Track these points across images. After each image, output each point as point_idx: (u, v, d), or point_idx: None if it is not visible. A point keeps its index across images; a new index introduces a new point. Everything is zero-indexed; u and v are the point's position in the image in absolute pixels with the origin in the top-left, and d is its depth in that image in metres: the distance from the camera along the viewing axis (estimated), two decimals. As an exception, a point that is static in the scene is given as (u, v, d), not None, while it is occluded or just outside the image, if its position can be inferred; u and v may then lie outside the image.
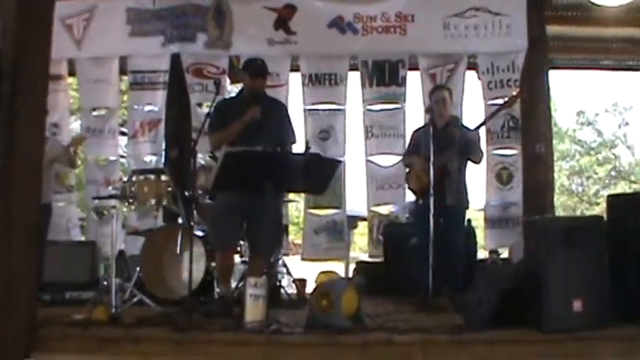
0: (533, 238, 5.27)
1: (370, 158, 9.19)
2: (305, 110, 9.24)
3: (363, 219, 9.32)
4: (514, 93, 7.25)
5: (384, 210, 9.23)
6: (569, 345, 4.75)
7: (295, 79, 9.32)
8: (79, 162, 8.56)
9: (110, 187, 6.81)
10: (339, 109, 9.25)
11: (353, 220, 9.31)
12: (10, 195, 4.69)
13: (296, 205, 10.97)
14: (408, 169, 7.21)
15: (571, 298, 4.90)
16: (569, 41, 9.90)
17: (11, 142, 4.68)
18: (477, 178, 7.66)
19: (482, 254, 8.77)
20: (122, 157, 10.28)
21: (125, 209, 7.59)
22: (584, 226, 5.22)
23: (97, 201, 8.43)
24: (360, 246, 10.17)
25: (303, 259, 9.38)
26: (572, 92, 40.78)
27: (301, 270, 8.51)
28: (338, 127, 9.19)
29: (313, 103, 9.26)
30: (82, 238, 9.50)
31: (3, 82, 4.64)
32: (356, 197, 9.57)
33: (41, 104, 5.00)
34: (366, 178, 9.17)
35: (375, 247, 9.09)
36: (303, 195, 9.28)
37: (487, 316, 5.02)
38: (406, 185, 7.41)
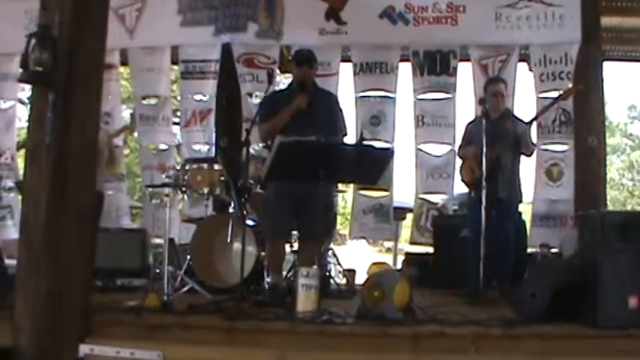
0: (588, 232, 5.19)
1: (420, 147, 9.16)
2: (356, 98, 9.24)
3: (411, 210, 9.29)
4: (570, 86, 7.14)
5: (432, 198, 9.18)
6: (623, 342, 4.66)
7: (346, 69, 9.33)
8: (122, 155, 8.67)
9: (164, 175, 6.86)
10: (389, 97, 9.23)
11: (401, 212, 9.29)
12: (65, 182, 4.73)
13: (342, 195, 10.94)
14: (461, 161, 7.16)
15: (626, 295, 4.81)
16: (625, 33, 9.73)
17: (67, 129, 4.72)
18: (526, 173, 7.57)
19: (529, 249, 8.67)
20: (175, 146, 10.39)
21: (179, 197, 7.67)
22: (641, 221, 5.13)
23: (149, 188, 8.51)
24: (407, 238, 10.13)
25: (351, 237, 9.46)
26: (623, 85, 40.00)
27: (350, 260, 8.52)
28: (388, 113, 9.17)
29: (364, 90, 9.25)
30: (133, 226, 9.63)
31: (59, 71, 4.67)
32: (404, 187, 9.56)
33: (96, 93, 5.03)
34: (416, 166, 9.14)
35: (420, 234, 9.10)
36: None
37: (540, 311, 4.97)
38: (456, 176, 7.37)
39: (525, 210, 8.19)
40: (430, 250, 8.50)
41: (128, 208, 9.96)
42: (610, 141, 25.77)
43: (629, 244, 4.88)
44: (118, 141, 9.20)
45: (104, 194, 7.61)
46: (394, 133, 9.20)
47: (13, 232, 9.27)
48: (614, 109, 29.25)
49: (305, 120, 5.96)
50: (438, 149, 9.18)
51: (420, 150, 9.16)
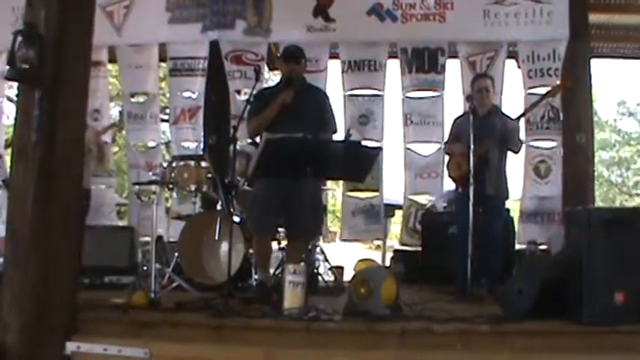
0: (575, 229, 5.19)
1: (409, 146, 9.15)
2: (345, 96, 9.23)
3: (400, 207, 9.30)
4: (558, 82, 7.16)
5: (421, 199, 9.18)
6: (609, 338, 4.69)
7: (334, 66, 9.34)
8: (111, 152, 8.66)
9: (151, 173, 6.86)
10: (378, 95, 9.22)
11: (390, 209, 9.30)
12: (51, 179, 4.73)
13: (332, 193, 10.94)
14: (448, 157, 7.17)
15: (612, 291, 4.83)
16: (612, 30, 9.76)
17: (53, 127, 4.72)
18: (514, 170, 7.60)
19: (517, 246, 8.68)
20: (163, 143, 10.36)
21: (167, 195, 7.66)
22: (628, 217, 5.15)
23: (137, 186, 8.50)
24: (397, 234, 10.16)
25: (341, 239, 9.54)
26: (613, 82, 40.20)
27: (338, 257, 8.51)
28: (377, 112, 9.17)
29: (352, 89, 9.24)
30: (119, 223, 9.62)
31: (45, 68, 4.67)
32: (393, 185, 9.56)
33: (83, 90, 5.03)
34: (404, 165, 9.14)
35: (409, 236, 9.09)
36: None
37: (527, 307, 4.98)
38: (445, 174, 7.37)
39: (513, 207, 8.21)
40: (419, 247, 8.50)
41: (115, 205, 9.97)
42: (599, 136, 25.88)
43: (615, 241, 4.88)
44: (107, 137, 9.17)
45: (91, 191, 7.58)
46: (383, 132, 9.20)
47: (0, 230, 9.23)
48: (604, 106, 29.45)
49: (294, 117, 5.94)
50: (427, 148, 9.18)
51: (409, 149, 9.16)
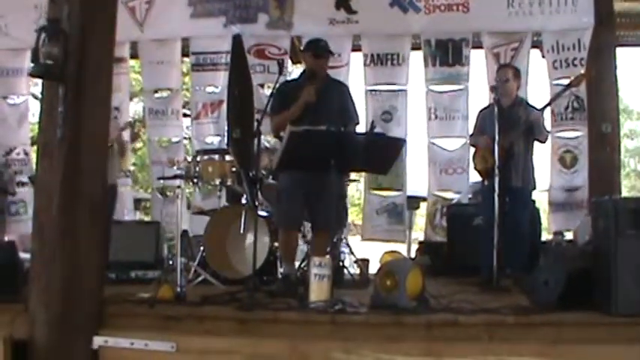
0: (602, 219, 5.13)
1: (433, 140, 9.09)
2: (367, 91, 9.17)
3: (425, 199, 9.25)
4: (581, 72, 7.08)
5: (446, 195, 9.12)
6: (637, 329, 4.63)
7: (356, 59, 9.28)
8: (136, 146, 8.69)
9: (175, 168, 6.88)
10: (400, 90, 9.16)
11: (415, 201, 9.24)
12: (76, 175, 4.76)
13: (356, 186, 10.91)
14: (473, 150, 7.14)
15: (640, 281, 4.79)
16: (638, 18, 9.63)
17: (78, 123, 4.75)
18: (540, 161, 7.54)
19: (545, 237, 8.63)
20: (185, 138, 10.38)
21: (189, 189, 7.67)
22: (656, 207, 5.08)
23: (161, 181, 8.50)
24: (422, 227, 10.13)
25: (363, 239, 9.38)
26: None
27: (363, 250, 8.49)
28: (400, 107, 9.10)
29: (375, 84, 9.18)
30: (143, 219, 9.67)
31: (69, 64, 4.69)
32: (418, 178, 9.49)
33: (107, 85, 5.06)
34: (429, 161, 9.08)
35: (433, 231, 9.04)
36: (364, 175, 9.25)
37: (554, 298, 4.95)
38: (471, 170, 7.35)
39: (539, 198, 8.15)
40: (444, 239, 8.47)
41: (132, 204, 10.00)
42: (627, 126, 25.57)
43: (642, 231, 4.83)
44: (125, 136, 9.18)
45: (117, 186, 7.61)
46: (407, 129, 9.13)
47: (28, 227, 9.27)
48: (633, 95, 29.05)
49: (318, 110, 5.96)
50: (451, 143, 9.11)
51: (433, 144, 9.11)
